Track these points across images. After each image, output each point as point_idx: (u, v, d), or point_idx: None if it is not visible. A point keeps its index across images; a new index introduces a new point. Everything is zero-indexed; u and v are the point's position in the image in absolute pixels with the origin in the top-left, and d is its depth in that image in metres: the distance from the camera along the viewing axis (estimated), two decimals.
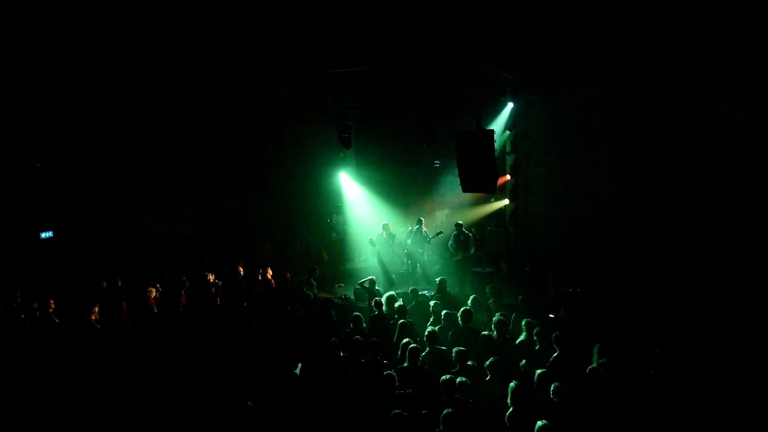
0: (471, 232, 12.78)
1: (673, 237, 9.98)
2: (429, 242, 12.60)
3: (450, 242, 12.33)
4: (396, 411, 5.23)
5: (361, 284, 10.65)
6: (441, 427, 5.22)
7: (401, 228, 14.20)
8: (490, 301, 8.93)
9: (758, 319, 8.08)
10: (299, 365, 7.31)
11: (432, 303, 8.82)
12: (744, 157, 8.95)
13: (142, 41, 9.18)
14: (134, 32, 8.83)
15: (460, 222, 12.38)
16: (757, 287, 8.61)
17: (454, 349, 6.75)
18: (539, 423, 4.89)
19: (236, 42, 9.20)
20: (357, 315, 8.24)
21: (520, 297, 9.10)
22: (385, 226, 12.77)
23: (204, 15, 8.20)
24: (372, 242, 12.89)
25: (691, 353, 6.72)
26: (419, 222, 12.67)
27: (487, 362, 6.29)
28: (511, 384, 5.64)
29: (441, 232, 12.99)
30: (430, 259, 13.05)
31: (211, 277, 11.04)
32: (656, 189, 10.24)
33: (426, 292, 10.57)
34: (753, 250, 8.86)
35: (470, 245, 12.18)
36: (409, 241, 12.68)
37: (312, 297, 10.44)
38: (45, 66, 9.56)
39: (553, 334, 6.90)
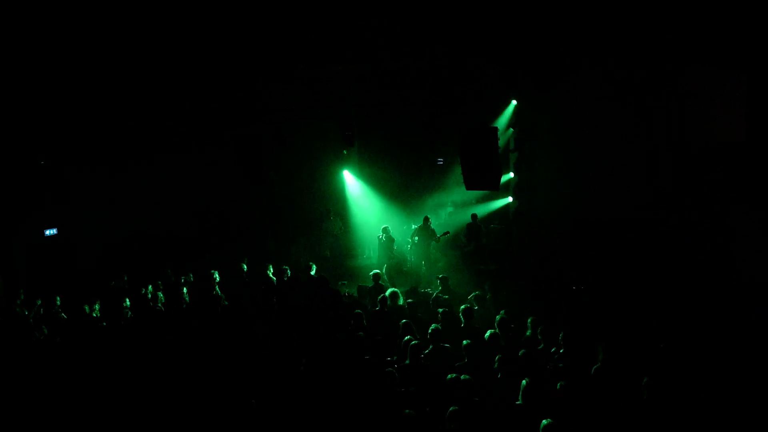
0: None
1: (674, 235, 10.01)
2: (437, 241, 12.73)
3: (464, 232, 12.56)
4: (407, 411, 5.27)
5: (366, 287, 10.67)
6: (446, 426, 5.26)
7: (404, 226, 14.25)
8: (488, 296, 8.99)
9: (755, 318, 8.16)
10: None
11: (435, 300, 8.86)
12: (744, 155, 8.97)
13: (141, 39, 9.21)
14: (134, 31, 8.87)
15: (475, 213, 12.68)
16: (751, 284, 8.71)
17: (464, 342, 6.77)
18: (544, 422, 4.93)
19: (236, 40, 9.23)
20: (358, 312, 8.27)
21: (522, 295, 9.14)
22: (384, 230, 12.89)
23: (203, 13, 8.23)
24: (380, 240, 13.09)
25: (690, 352, 6.77)
26: (425, 219, 12.79)
27: (496, 359, 6.32)
28: (523, 382, 5.67)
29: (448, 232, 13.10)
30: (434, 256, 13.14)
31: (215, 275, 11.08)
32: (658, 187, 10.27)
33: (429, 289, 10.61)
34: (749, 249, 8.93)
35: (482, 236, 12.43)
36: (415, 239, 12.79)
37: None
38: (48, 65, 9.59)
39: (560, 333, 6.94)
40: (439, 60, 9.99)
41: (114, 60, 9.73)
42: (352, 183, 16.09)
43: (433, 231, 12.70)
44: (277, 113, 12.64)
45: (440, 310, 8.31)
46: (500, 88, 11.74)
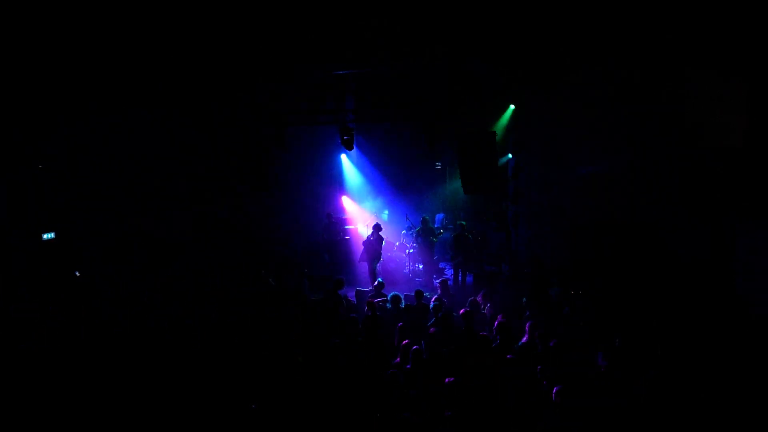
0: (471, 233, 12.82)
1: (674, 236, 10.00)
2: (435, 238, 12.79)
3: (451, 243, 12.37)
4: (405, 414, 5.22)
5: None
6: (445, 429, 5.21)
7: (402, 230, 14.24)
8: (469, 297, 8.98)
9: (752, 319, 8.14)
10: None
11: (434, 305, 8.80)
12: (743, 159, 8.97)
13: (142, 40, 9.18)
14: (134, 30, 8.84)
15: (462, 222, 12.48)
16: (748, 287, 8.68)
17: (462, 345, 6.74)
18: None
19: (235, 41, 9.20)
20: (354, 317, 8.24)
21: (524, 299, 9.06)
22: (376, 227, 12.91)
23: (203, 13, 8.21)
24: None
25: (689, 353, 6.73)
26: (424, 221, 12.87)
27: (492, 363, 6.27)
28: (514, 386, 5.64)
29: (442, 231, 13.12)
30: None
31: (215, 278, 11.04)
32: (655, 190, 10.26)
33: (428, 293, 10.56)
34: (748, 252, 8.91)
35: (470, 246, 12.22)
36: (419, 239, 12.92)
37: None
38: (45, 67, 9.55)
39: (555, 337, 6.89)
40: (439, 60, 9.96)
41: (114, 60, 9.69)
42: (350, 186, 16.09)
43: (431, 230, 12.81)
44: (277, 116, 12.62)
45: (439, 311, 8.29)
46: (499, 90, 11.71)
